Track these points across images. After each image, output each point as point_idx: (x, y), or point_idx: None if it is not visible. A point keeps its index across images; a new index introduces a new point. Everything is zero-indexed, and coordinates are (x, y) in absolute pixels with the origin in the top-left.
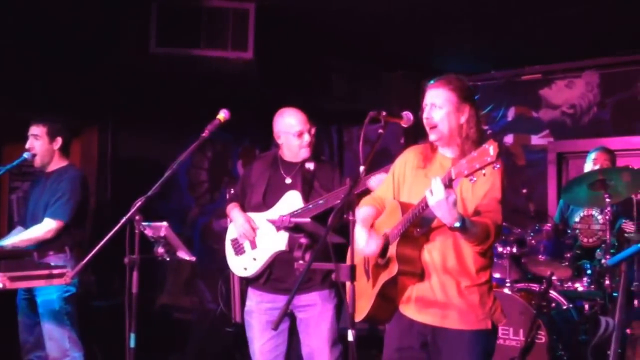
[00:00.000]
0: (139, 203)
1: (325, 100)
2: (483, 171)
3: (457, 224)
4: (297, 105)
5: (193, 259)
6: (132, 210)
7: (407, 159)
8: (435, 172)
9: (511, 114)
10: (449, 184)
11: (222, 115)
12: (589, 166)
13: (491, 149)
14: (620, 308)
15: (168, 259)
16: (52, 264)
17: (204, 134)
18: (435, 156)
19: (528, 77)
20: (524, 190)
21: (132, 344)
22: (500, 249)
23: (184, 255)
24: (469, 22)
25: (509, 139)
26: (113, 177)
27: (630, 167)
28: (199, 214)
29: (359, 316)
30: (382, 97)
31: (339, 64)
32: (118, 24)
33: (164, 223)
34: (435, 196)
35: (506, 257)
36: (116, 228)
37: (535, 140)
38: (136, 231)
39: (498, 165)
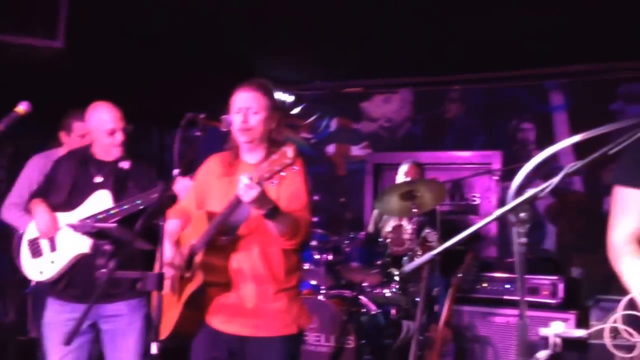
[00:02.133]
0: None
1: (147, 99)
2: (282, 173)
3: (272, 206)
4: (115, 102)
5: None
6: None
7: (210, 168)
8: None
9: (334, 124)
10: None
11: (22, 108)
12: (400, 178)
13: (289, 151)
14: (420, 312)
15: None
16: None
17: None
18: (239, 163)
19: (350, 90)
20: (342, 199)
21: None
22: (317, 257)
23: None
24: (295, 32)
25: (331, 148)
26: None
27: (436, 180)
28: None
29: (165, 333)
30: (208, 99)
31: (162, 62)
32: None
33: None
34: (249, 188)
35: (322, 264)
36: None
37: (355, 151)
38: None
39: (296, 167)
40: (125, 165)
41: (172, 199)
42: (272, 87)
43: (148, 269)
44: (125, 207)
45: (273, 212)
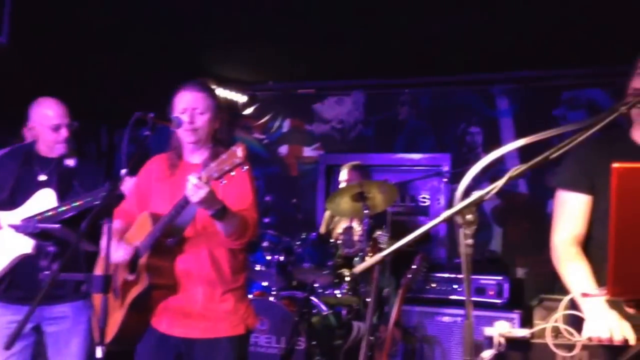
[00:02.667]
0: None
1: (96, 98)
2: (232, 173)
3: (221, 206)
4: (62, 100)
5: None
6: None
7: (151, 170)
8: (184, 182)
9: (287, 125)
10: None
11: None
12: (342, 184)
13: (239, 150)
14: (370, 313)
15: None
16: None
17: None
18: (182, 164)
19: (303, 91)
20: (294, 200)
21: None
22: (268, 257)
23: None
24: (248, 32)
25: (283, 149)
26: None
27: (387, 181)
28: None
29: (108, 337)
30: (158, 98)
31: (112, 60)
32: None
33: None
34: (197, 188)
35: (273, 266)
36: None
37: (308, 152)
38: None
39: (246, 167)
40: (70, 162)
41: (120, 199)
42: (213, 86)
43: (91, 270)
44: (76, 204)
45: (221, 212)
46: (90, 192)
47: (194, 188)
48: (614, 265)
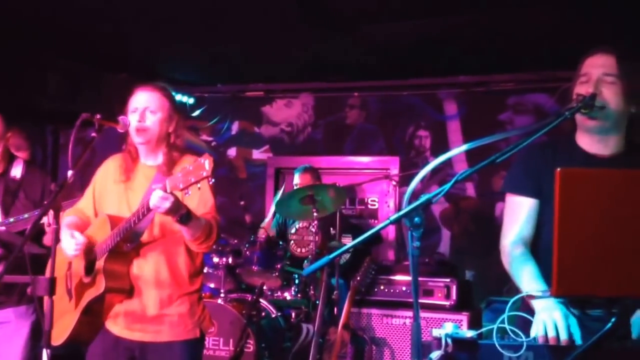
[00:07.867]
0: None
1: (40, 99)
2: (198, 185)
3: (185, 211)
4: (5, 102)
5: None
6: None
7: (108, 171)
8: (140, 184)
9: (235, 127)
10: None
11: None
12: (295, 187)
13: (207, 163)
14: (319, 315)
15: None
16: None
17: None
18: (137, 167)
19: (252, 93)
20: (242, 203)
21: None
22: (216, 260)
23: None
24: (196, 34)
25: (232, 152)
26: None
27: (336, 184)
28: None
29: (60, 339)
30: (104, 99)
31: (56, 61)
32: None
33: None
34: (164, 200)
35: (222, 268)
36: None
37: (257, 154)
38: None
39: (213, 180)
40: (17, 173)
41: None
42: (171, 90)
43: (39, 274)
44: (19, 219)
45: (186, 217)
46: (35, 203)
47: (160, 200)
48: (557, 265)
